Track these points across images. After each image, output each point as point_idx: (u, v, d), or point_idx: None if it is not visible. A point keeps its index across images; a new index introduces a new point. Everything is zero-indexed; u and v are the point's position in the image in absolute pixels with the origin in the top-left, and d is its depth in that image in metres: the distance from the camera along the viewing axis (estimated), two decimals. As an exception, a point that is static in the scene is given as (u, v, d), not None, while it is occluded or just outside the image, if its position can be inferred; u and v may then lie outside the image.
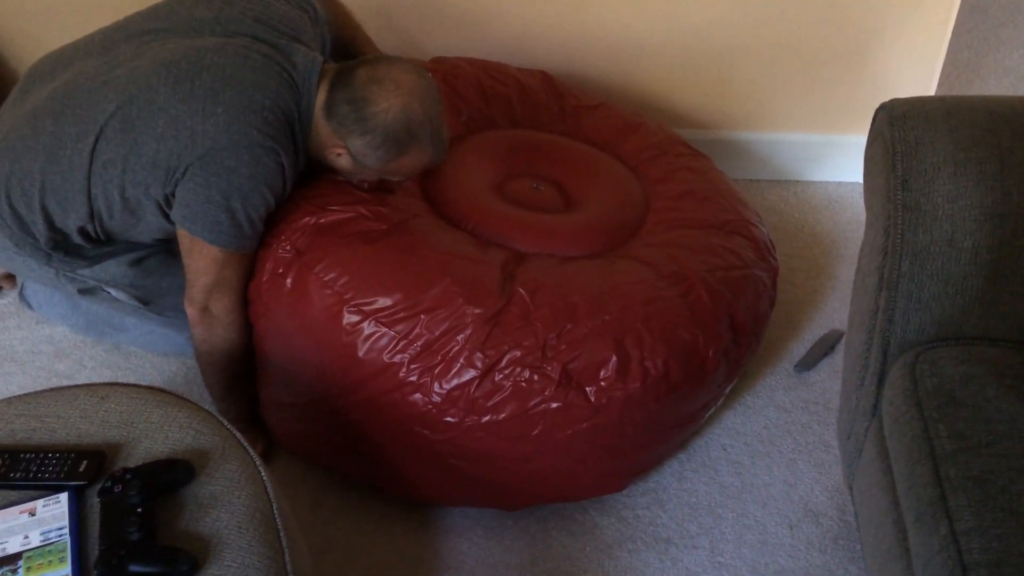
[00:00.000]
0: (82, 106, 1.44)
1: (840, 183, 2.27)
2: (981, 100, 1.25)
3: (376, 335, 1.40)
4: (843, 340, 1.80)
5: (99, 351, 1.82)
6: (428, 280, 1.42)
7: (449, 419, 1.39)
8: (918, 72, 2.11)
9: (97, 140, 1.43)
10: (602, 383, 1.39)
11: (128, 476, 1.01)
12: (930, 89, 2.14)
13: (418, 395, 1.39)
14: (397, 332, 1.39)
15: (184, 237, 1.45)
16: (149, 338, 1.77)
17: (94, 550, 0.98)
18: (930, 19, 2.04)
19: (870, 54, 2.10)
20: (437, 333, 1.39)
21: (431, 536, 1.49)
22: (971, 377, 1.13)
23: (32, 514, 1.00)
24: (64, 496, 1.02)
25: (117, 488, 1.00)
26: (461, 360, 1.38)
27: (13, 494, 1.03)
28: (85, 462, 1.05)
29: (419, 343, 1.39)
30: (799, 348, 1.82)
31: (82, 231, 1.52)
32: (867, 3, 2.03)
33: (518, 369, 1.37)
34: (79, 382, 1.50)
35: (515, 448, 1.41)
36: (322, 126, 1.46)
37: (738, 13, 2.06)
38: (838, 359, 1.79)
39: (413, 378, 1.39)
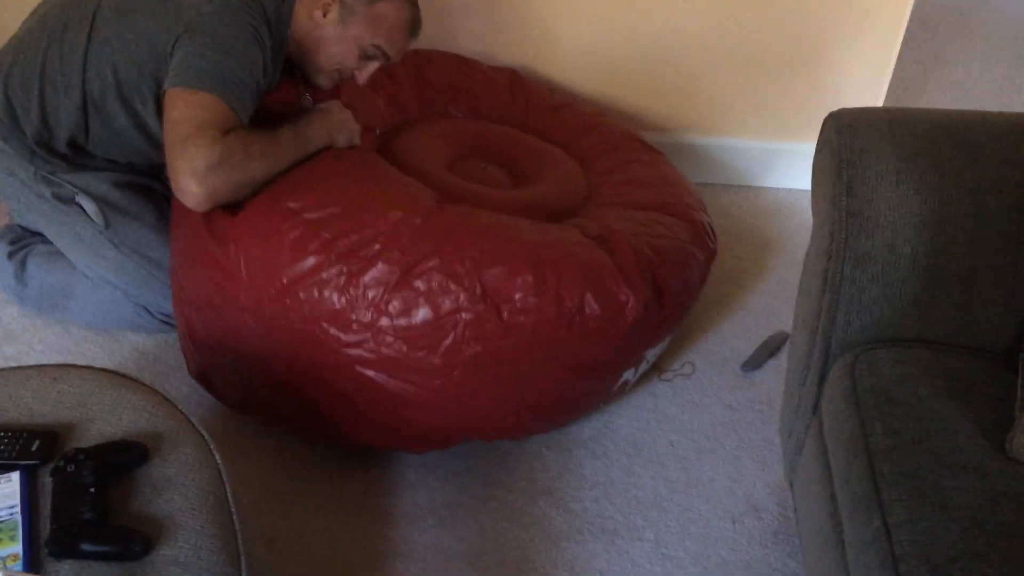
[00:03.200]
0: None
1: (790, 190, 2.34)
2: (924, 112, 1.30)
3: (300, 234, 1.42)
4: (788, 341, 1.85)
5: (49, 334, 1.80)
6: (361, 187, 1.47)
7: (362, 318, 1.40)
8: (867, 84, 2.18)
9: (94, 19, 1.54)
10: (516, 302, 1.42)
11: (81, 456, 1.01)
12: (879, 100, 2.21)
13: (334, 293, 1.40)
14: (321, 230, 1.42)
15: (170, 98, 1.44)
16: (97, 307, 1.76)
17: (45, 529, 0.98)
18: (879, 33, 2.10)
19: (821, 64, 2.17)
20: (360, 235, 1.41)
21: (382, 524, 1.51)
22: (906, 377, 1.18)
23: (-17, 492, 1.00)
24: (16, 475, 1.02)
25: (70, 468, 1.00)
26: (379, 261, 1.40)
27: (-37, 472, 1.03)
28: (37, 442, 1.05)
29: (342, 242, 1.41)
30: (746, 349, 1.87)
31: (70, 133, 1.61)
32: (819, 15, 2.09)
33: (435, 275, 1.40)
34: (28, 364, 1.49)
35: (424, 360, 1.42)
36: (311, 11, 1.56)
37: (697, 22, 2.11)
38: (783, 360, 1.84)
39: (330, 274, 1.40)
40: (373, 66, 1.64)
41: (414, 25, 1.64)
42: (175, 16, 1.48)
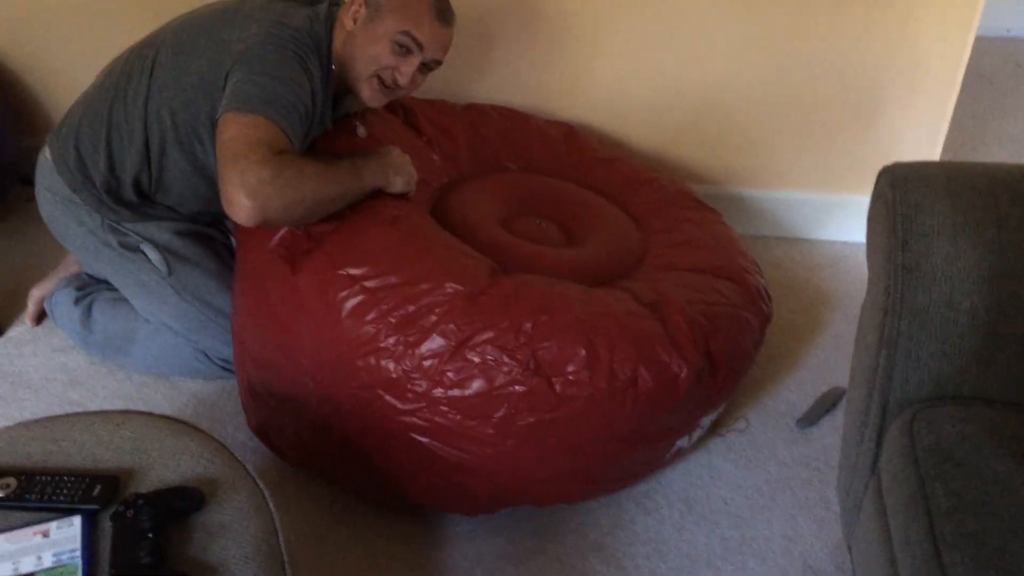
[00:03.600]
0: (145, 46, 1.68)
1: (845, 242, 2.31)
2: (981, 166, 1.29)
3: (360, 302, 1.45)
4: (844, 397, 1.82)
5: (111, 380, 1.85)
6: (418, 257, 1.49)
7: (417, 388, 1.42)
8: (923, 136, 2.17)
9: (153, 67, 1.62)
10: (569, 376, 1.42)
11: (140, 502, 1.04)
12: (935, 153, 2.19)
13: (391, 362, 1.42)
14: (380, 300, 1.44)
15: (222, 123, 1.48)
16: (159, 351, 1.81)
17: (104, 573, 1.00)
18: (935, 86, 2.09)
19: (877, 117, 2.16)
20: (417, 305, 1.44)
21: (431, 576, 1.50)
22: (968, 436, 1.15)
23: (45, 535, 1.03)
24: (77, 519, 1.04)
25: (129, 513, 1.02)
26: (435, 332, 1.42)
27: (28, 515, 1.05)
28: (99, 486, 1.07)
29: (399, 312, 1.43)
30: (802, 404, 1.84)
31: (135, 180, 1.67)
32: (875, 67, 2.08)
33: (489, 348, 1.41)
34: (92, 409, 1.53)
35: (478, 429, 1.43)
36: (341, 15, 1.63)
37: (750, 74, 2.13)
38: (840, 416, 1.80)
39: (388, 343, 1.42)
40: (412, 62, 1.63)
41: (440, 11, 1.63)
42: (225, 52, 1.55)
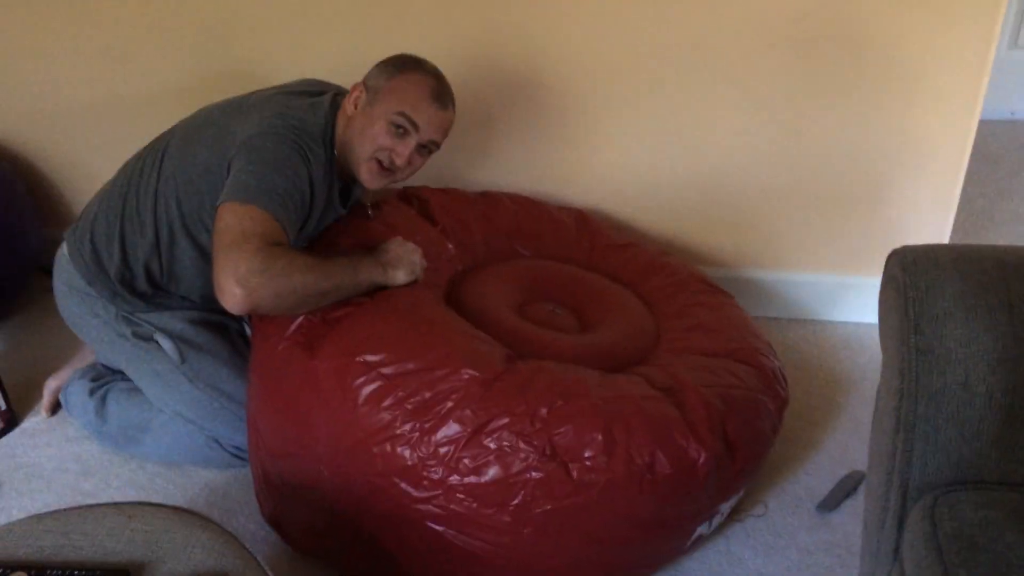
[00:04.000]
0: (157, 141, 1.76)
1: (859, 323, 2.31)
2: (990, 249, 1.29)
3: (376, 388, 1.45)
4: (864, 481, 1.79)
5: (125, 470, 1.85)
6: (434, 344, 1.50)
7: (433, 475, 1.40)
8: (932, 217, 2.18)
9: (163, 159, 1.68)
10: (586, 461, 1.41)
11: (150, 596, 1.02)
12: (944, 234, 2.20)
13: (407, 448, 1.42)
14: (396, 386, 1.44)
15: (219, 213, 1.51)
16: (172, 441, 1.80)
17: (112, 671, 0.98)
18: (942, 167, 2.12)
19: (885, 199, 2.18)
20: (434, 392, 1.43)
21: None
22: (991, 522, 1.12)
23: (54, 631, 1.01)
24: (87, 614, 1.03)
25: (139, 608, 1.01)
26: (451, 418, 1.41)
27: (37, 610, 1.04)
28: (109, 580, 1.06)
29: (415, 399, 1.43)
30: (821, 488, 1.81)
31: (147, 270, 1.71)
32: (881, 150, 2.12)
33: (505, 434, 1.40)
34: (104, 500, 1.52)
35: (494, 517, 1.41)
36: (344, 102, 1.69)
37: (757, 158, 2.16)
38: (860, 500, 1.77)
39: (404, 430, 1.42)
40: (408, 143, 1.65)
41: (437, 93, 1.66)
42: (228, 143, 1.60)
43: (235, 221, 1.48)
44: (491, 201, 2.09)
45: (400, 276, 1.62)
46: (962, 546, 1.11)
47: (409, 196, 2.02)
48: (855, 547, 1.68)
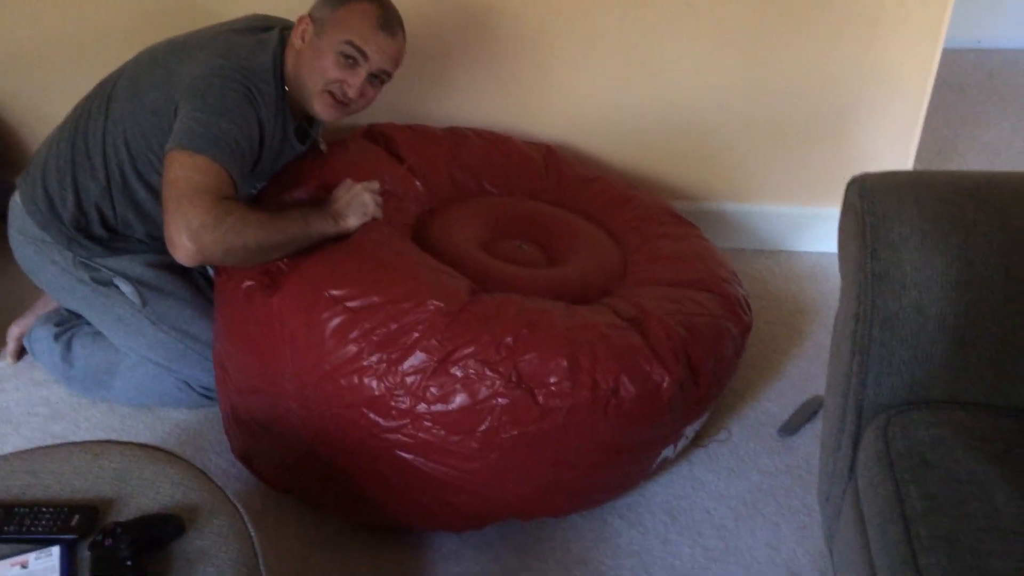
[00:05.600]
0: (103, 83, 1.72)
1: (823, 253, 2.34)
2: (947, 174, 1.31)
3: (342, 321, 1.46)
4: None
5: (94, 412, 1.85)
6: (400, 277, 1.51)
7: (401, 404, 1.43)
8: (895, 147, 2.19)
9: (109, 101, 1.65)
10: (551, 386, 1.43)
11: (119, 530, 1.04)
12: (907, 163, 2.22)
13: (373, 379, 1.43)
14: (362, 319, 1.46)
15: (168, 160, 1.51)
16: (140, 383, 1.80)
17: (83, 602, 1.00)
18: (906, 96, 2.12)
19: (849, 129, 2.19)
20: (400, 323, 1.45)
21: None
22: (941, 439, 1.16)
23: (24, 566, 1.02)
24: (56, 549, 1.04)
25: (108, 542, 1.03)
26: (417, 348, 1.43)
27: (6, 547, 1.05)
28: (77, 516, 1.08)
29: (381, 330, 1.44)
30: (782, 414, 1.85)
31: (101, 213, 1.69)
32: (845, 81, 2.12)
33: (471, 362, 1.42)
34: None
35: (462, 444, 1.44)
36: (291, 36, 1.65)
37: (722, 91, 2.16)
38: (820, 424, 1.81)
39: (371, 361, 1.44)
40: (359, 73, 1.63)
41: (384, 20, 1.64)
42: (175, 84, 1.58)
43: (184, 173, 1.48)
44: (458, 137, 2.08)
45: (351, 222, 1.61)
46: (913, 463, 1.14)
47: (375, 134, 2.00)
48: (815, 469, 1.72)
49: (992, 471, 1.11)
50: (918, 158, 2.24)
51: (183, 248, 1.46)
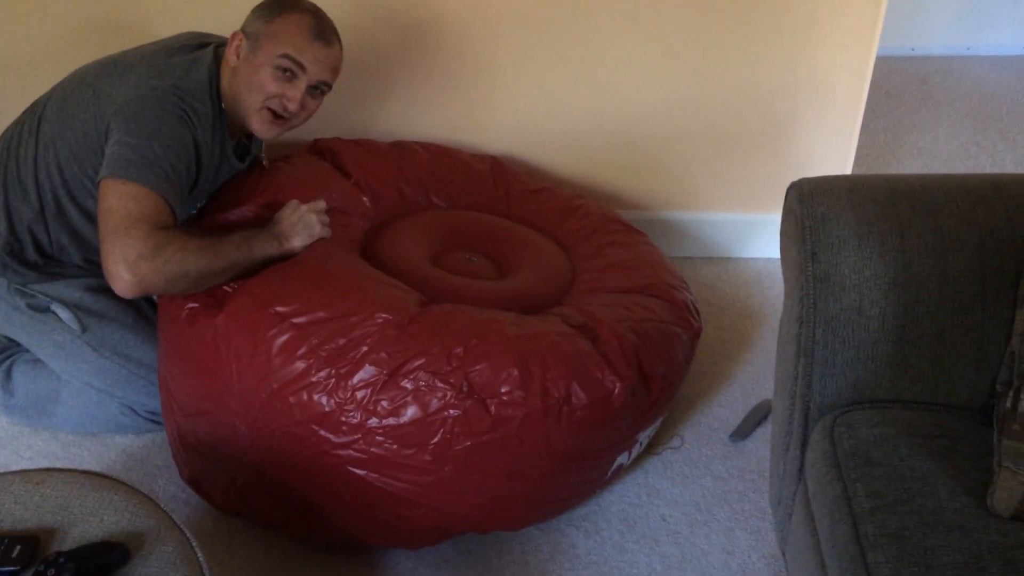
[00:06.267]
0: (35, 104, 1.69)
1: (770, 259, 2.37)
2: (883, 178, 1.34)
3: (289, 338, 1.44)
4: (775, 409, 1.85)
5: (37, 440, 1.80)
6: (347, 292, 1.50)
7: (351, 419, 1.42)
8: (834, 153, 2.24)
9: (40, 123, 1.62)
10: (503, 396, 1.43)
11: (62, 560, 1.01)
12: (846, 168, 2.27)
13: (323, 395, 1.42)
14: (309, 335, 1.44)
15: (103, 189, 1.49)
16: (83, 411, 1.76)
17: (25, 636, 0.97)
18: (842, 103, 2.17)
19: (789, 136, 2.23)
20: (348, 338, 1.44)
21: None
22: (885, 438, 1.18)
23: (-38, 602, 0.99)
24: (-5, 583, 1.01)
25: (50, 572, 1.00)
26: (367, 362, 1.42)
27: (-58, 582, 1.02)
28: (18, 547, 1.04)
29: (329, 345, 1.43)
30: (733, 418, 1.87)
31: (35, 239, 1.65)
32: (782, 89, 2.16)
33: (421, 374, 1.42)
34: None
35: (415, 457, 1.43)
36: (226, 53, 1.63)
37: (663, 101, 2.19)
38: (771, 428, 1.84)
39: (320, 377, 1.42)
40: (298, 86, 1.61)
41: (319, 30, 1.62)
42: (105, 106, 1.55)
43: (119, 203, 1.46)
44: (404, 151, 2.07)
45: (296, 243, 1.59)
46: (859, 462, 1.16)
47: (321, 149, 1.99)
48: (766, 472, 1.74)
49: (935, 467, 1.13)
50: (857, 164, 2.30)
51: (122, 280, 1.45)
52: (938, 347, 1.24)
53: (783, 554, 1.44)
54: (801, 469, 1.31)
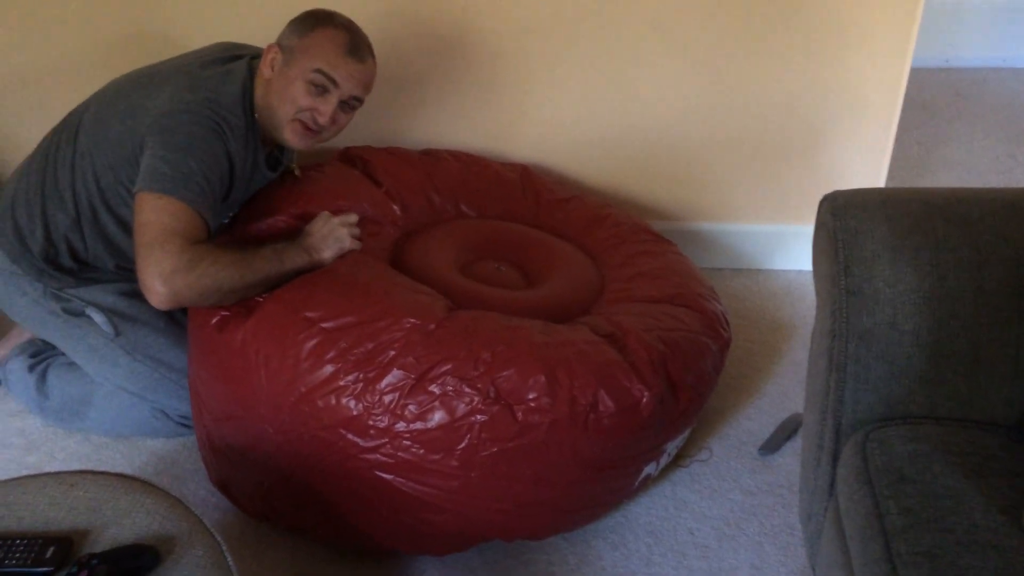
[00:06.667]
0: (72, 114, 1.72)
1: (800, 271, 2.36)
2: (916, 191, 1.33)
3: (318, 343, 1.45)
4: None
5: (70, 443, 1.83)
6: (375, 298, 1.52)
7: (379, 423, 1.42)
8: (867, 165, 2.22)
9: (77, 133, 1.65)
10: (530, 402, 1.43)
11: (94, 562, 1.02)
12: (879, 180, 2.25)
13: (351, 399, 1.43)
14: (337, 339, 1.45)
15: (138, 203, 1.52)
16: (116, 413, 1.78)
17: (57, 637, 0.98)
18: (876, 115, 2.16)
19: (821, 148, 2.21)
20: (376, 342, 1.45)
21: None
22: (918, 454, 1.17)
23: (-3, 601, 1.01)
24: (30, 583, 1.02)
25: (83, 574, 1.01)
26: (395, 366, 1.43)
27: (-22, 582, 1.04)
28: (52, 548, 1.06)
29: (358, 350, 1.44)
30: (763, 432, 1.86)
31: (70, 246, 1.69)
32: (815, 100, 2.15)
33: (449, 379, 1.42)
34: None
35: (442, 462, 1.43)
36: (260, 65, 1.65)
37: (695, 111, 2.18)
38: (800, 442, 1.82)
39: (348, 381, 1.43)
40: (330, 101, 1.63)
41: (353, 46, 1.63)
42: (140, 118, 1.57)
43: (155, 217, 1.49)
44: (434, 160, 2.09)
45: (326, 256, 1.61)
46: (892, 479, 1.15)
47: (352, 157, 2.00)
48: (796, 487, 1.73)
49: (969, 485, 1.11)
50: (890, 176, 2.27)
51: (157, 294, 1.48)
52: (973, 363, 1.22)
53: (813, 570, 1.42)
54: (832, 484, 1.30)
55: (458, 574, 1.55)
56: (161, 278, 1.46)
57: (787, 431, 1.84)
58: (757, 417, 1.89)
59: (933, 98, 3.20)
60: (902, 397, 1.24)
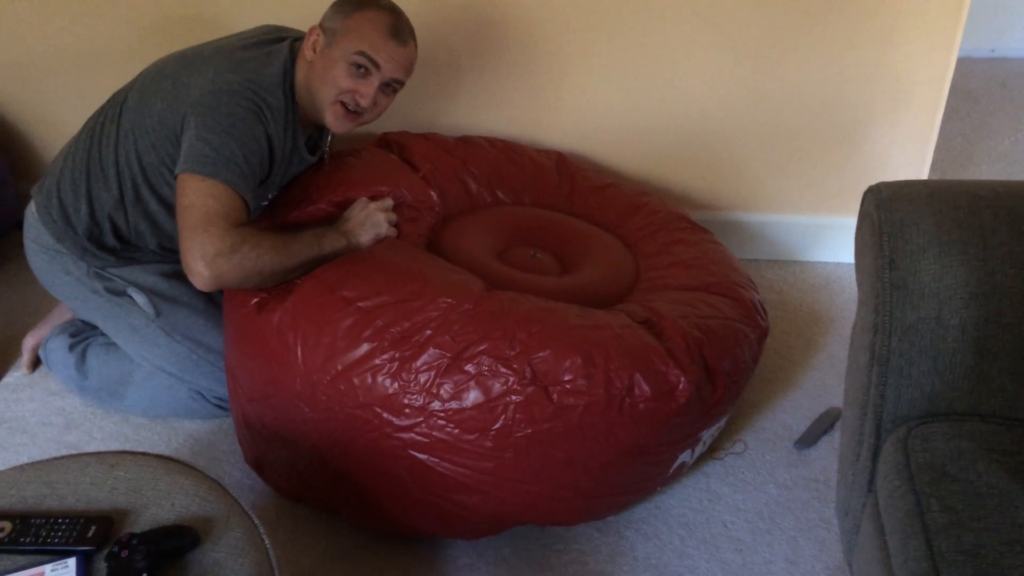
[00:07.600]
0: (117, 93, 1.73)
1: (838, 263, 2.33)
2: (964, 184, 1.30)
3: (354, 322, 1.46)
4: (841, 417, 1.81)
5: (108, 423, 1.85)
6: (411, 278, 1.52)
7: (414, 402, 1.42)
8: (910, 157, 2.18)
9: (122, 112, 1.66)
10: (566, 384, 1.42)
11: (134, 542, 1.03)
12: (923, 172, 2.21)
13: (387, 378, 1.43)
14: (374, 318, 1.46)
15: (180, 184, 1.53)
16: (154, 394, 1.81)
17: (99, 615, 1.00)
18: (920, 105, 2.12)
19: (864, 138, 2.18)
20: (412, 321, 1.46)
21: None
22: (962, 452, 1.15)
23: (40, 578, 1.02)
24: (72, 561, 1.04)
25: (124, 553, 1.02)
26: (431, 345, 1.43)
27: (22, 558, 1.05)
28: (93, 527, 1.07)
29: (394, 329, 1.45)
30: (799, 425, 1.84)
31: (114, 225, 1.71)
32: (859, 89, 2.11)
33: (484, 358, 1.42)
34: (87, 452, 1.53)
35: (476, 442, 1.43)
36: (302, 47, 1.65)
37: (735, 100, 2.15)
38: (838, 436, 1.80)
39: (383, 359, 1.44)
40: (372, 83, 1.62)
41: (396, 29, 1.63)
42: (182, 97, 1.58)
43: (198, 200, 1.50)
44: (471, 146, 2.08)
45: (363, 240, 1.62)
46: (934, 476, 1.13)
47: (389, 142, 2.01)
48: (832, 482, 1.71)
49: (1014, 485, 1.09)
50: (933, 167, 2.24)
51: (200, 276, 1.49)
52: (1020, 360, 1.19)
53: (849, 566, 1.40)
54: (871, 480, 1.28)
55: (491, 563, 1.56)
56: (205, 261, 1.48)
57: (824, 425, 1.82)
58: (793, 411, 1.88)
59: (978, 88, 3.14)
60: (946, 394, 1.22)
